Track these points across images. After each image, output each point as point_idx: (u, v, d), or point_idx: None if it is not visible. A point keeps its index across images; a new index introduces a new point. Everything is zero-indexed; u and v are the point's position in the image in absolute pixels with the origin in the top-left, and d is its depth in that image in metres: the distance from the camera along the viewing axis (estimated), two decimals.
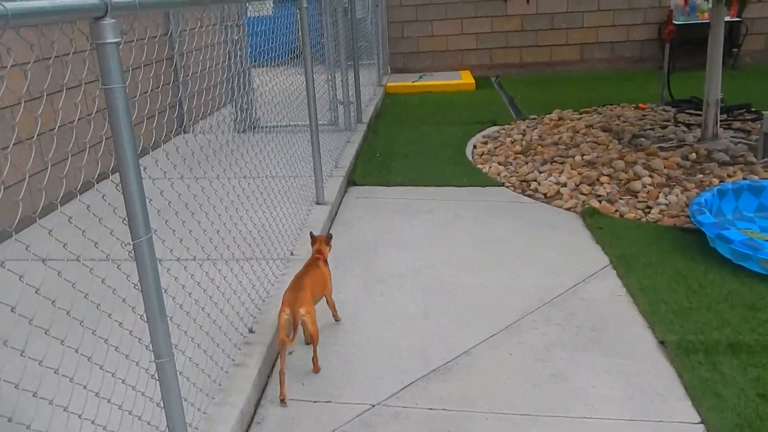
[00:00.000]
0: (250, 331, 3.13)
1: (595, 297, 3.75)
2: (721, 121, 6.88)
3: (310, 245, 3.49)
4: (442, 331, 3.43)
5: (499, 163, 6.26)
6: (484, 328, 3.45)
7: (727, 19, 10.82)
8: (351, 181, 5.89)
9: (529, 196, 5.48)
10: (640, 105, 8.29)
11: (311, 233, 3.52)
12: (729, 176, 5.40)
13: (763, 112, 5.95)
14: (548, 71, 11.50)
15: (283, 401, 2.84)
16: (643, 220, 4.83)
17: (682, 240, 4.40)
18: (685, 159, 5.91)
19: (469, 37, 11.53)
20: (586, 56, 11.43)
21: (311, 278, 3.14)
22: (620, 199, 5.21)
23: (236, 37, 6.85)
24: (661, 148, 6.30)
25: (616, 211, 4.99)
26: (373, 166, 6.33)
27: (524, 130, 7.41)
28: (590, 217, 4.88)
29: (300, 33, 4.60)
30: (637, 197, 5.19)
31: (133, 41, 6.15)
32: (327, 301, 3.39)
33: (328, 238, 3.48)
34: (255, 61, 7.79)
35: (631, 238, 4.49)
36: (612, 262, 4.17)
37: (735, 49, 10.92)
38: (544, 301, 3.73)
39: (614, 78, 10.77)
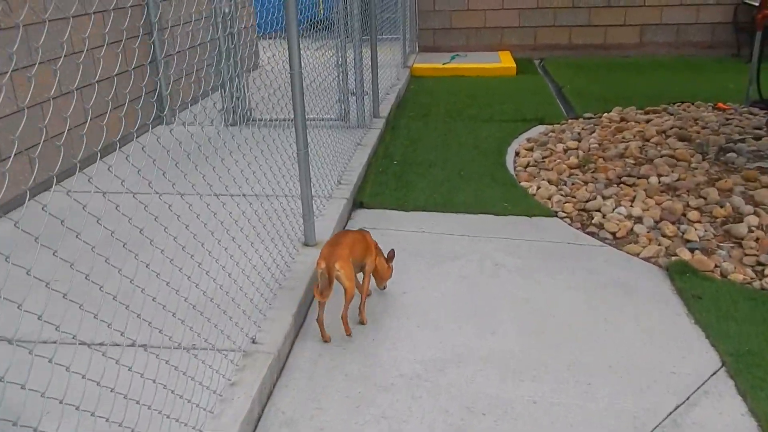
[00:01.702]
0: None
1: None
2: None
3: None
4: None
5: (550, 182, 4.88)
6: None
7: None
8: (358, 203, 4.58)
9: (592, 234, 4.12)
10: (720, 105, 6.81)
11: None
12: None
13: None
14: (601, 55, 9.98)
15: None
16: (757, 284, 3.46)
17: None
18: None
19: (511, 13, 10.03)
20: (647, 39, 9.87)
21: (352, 237, 3.06)
22: (719, 247, 3.83)
23: (225, 7, 5.51)
24: (761, 170, 4.87)
25: (717, 267, 3.63)
26: (388, 180, 5.00)
27: (579, 134, 6.00)
28: (680, 276, 3.53)
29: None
30: (742, 246, 3.81)
31: (92, 10, 4.86)
32: (364, 274, 3.13)
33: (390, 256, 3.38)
34: (264, 31, 6.50)
35: (745, 317, 3.14)
36: (725, 364, 2.83)
37: None
38: None
39: (680, 66, 9.23)
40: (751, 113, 6.51)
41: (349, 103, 6.03)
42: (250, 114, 6.06)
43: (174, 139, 3.50)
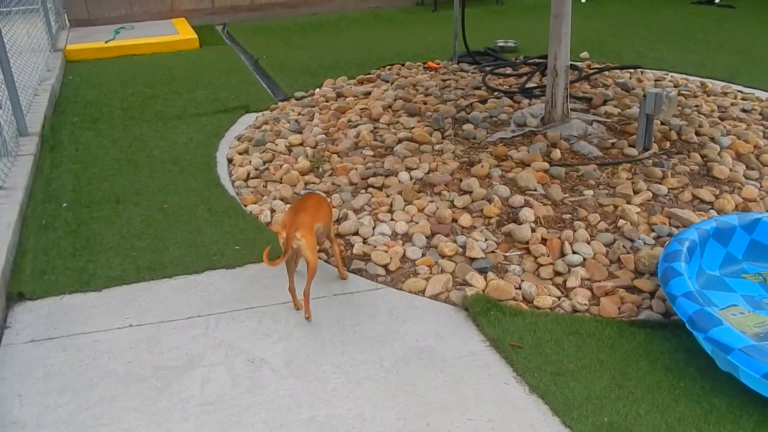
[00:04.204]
0: None
1: None
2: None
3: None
4: None
5: (285, 201, 3.81)
6: None
7: None
8: (16, 296, 2.99)
9: (360, 272, 3.17)
10: (431, 63, 6.33)
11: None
12: (632, 188, 3.67)
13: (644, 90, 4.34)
14: (289, 14, 9.03)
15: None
16: (567, 305, 2.86)
17: (679, 357, 2.50)
18: (548, 160, 4.08)
19: None
20: None
21: (317, 201, 2.90)
22: (507, 260, 3.17)
23: None
24: (504, 143, 4.40)
25: (518, 290, 2.95)
26: (60, 241, 3.44)
27: (297, 121, 4.98)
28: (485, 316, 2.78)
29: None
30: (530, 252, 3.20)
31: None
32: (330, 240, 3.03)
33: None
34: None
35: (580, 365, 2.49)
36: None
37: None
38: None
39: (371, 20, 8.71)
40: (462, 70, 6.15)
41: None
42: None
43: None
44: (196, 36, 7.60)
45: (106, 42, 7.38)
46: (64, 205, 3.82)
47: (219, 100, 5.62)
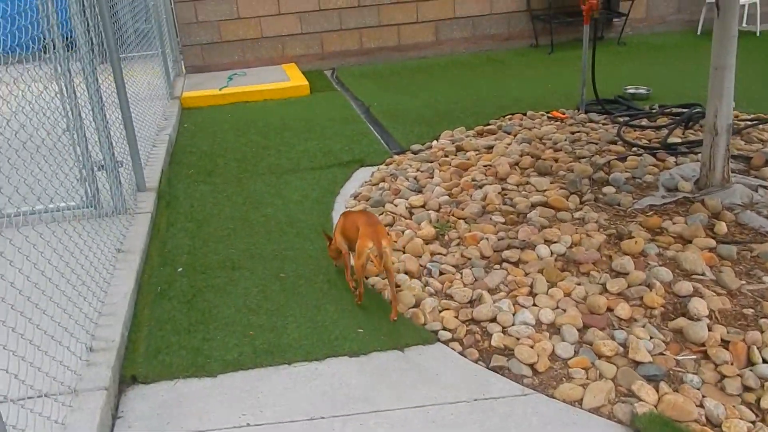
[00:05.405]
0: None
1: None
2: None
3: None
4: None
5: (409, 274, 3.44)
6: None
7: None
8: (129, 379, 2.77)
9: (500, 370, 2.75)
10: (555, 113, 5.89)
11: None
12: None
13: None
14: (397, 58, 8.82)
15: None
16: None
17: None
18: (713, 234, 3.53)
19: (290, 19, 8.47)
20: (443, 36, 8.89)
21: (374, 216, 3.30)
22: (679, 365, 2.66)
23: None
24: (654, 210, 3.88)
25: (701, 408, 2.44)
26: (175, 313, 3.22)
27: (416, 179, 4.65)
28: None
29: None
30: (709, 356, 2.68)
31: None
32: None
33: None
34: None
35: None
36: None
37: (618, 19, 8.97)
38: None
39: (483, 63, 8.36)
40: (592, 120, 5.66)
41: (96, 180, 4.09)
42: None
43: None
44: (306, 82, 7.49)
45: (219, 89, 7.40)
46: (180, 269, 3.63)
47: (332, 153, 5.39)
